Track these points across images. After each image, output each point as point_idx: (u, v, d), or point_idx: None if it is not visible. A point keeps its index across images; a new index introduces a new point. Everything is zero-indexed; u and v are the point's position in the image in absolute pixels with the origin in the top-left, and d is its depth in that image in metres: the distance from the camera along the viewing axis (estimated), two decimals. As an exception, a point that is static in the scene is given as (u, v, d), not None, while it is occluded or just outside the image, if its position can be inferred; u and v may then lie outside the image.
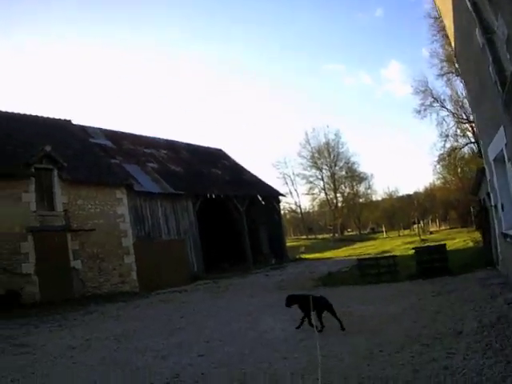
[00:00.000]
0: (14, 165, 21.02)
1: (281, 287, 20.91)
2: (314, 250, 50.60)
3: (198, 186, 31.93)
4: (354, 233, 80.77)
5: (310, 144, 78.29)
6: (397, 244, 42.14)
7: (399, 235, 58.19)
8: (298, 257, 41.85)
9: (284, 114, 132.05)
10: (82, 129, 30.55)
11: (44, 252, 20.92)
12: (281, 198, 42.98)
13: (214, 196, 31.30)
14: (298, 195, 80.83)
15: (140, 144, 34.18)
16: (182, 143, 40.34)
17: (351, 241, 60.49)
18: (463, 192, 52.93)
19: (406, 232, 62.73)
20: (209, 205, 32.21)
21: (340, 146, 77.80)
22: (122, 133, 34.50)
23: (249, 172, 42.19)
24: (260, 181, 41.55)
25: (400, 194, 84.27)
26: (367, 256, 31.22)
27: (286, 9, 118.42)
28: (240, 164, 43.69)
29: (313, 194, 79.74)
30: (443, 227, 59.81)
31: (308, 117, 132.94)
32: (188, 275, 27.58)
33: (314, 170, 78.45)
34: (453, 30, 12.79)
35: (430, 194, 72.44)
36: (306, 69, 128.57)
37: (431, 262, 18.37)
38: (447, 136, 48.59)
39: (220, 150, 45.01)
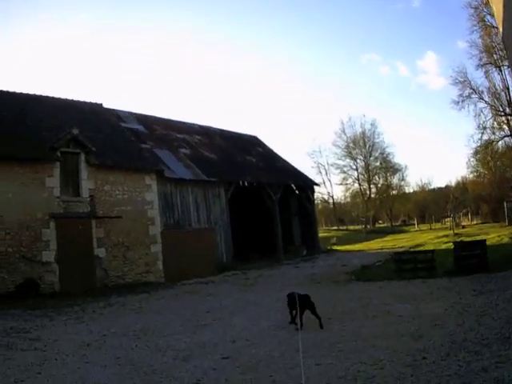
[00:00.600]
0: (39, 149, 19.93)
1: (313, 280, 19.87)
2: (345, 241, 49.28)
3: (231, 172, 30.58)
4: (385, 225, 79.92)
5: (345, 133, 77.77)
6: (430, 237, 40.16)
7: (431, 228, 56.46)
8: (329, 248, 40.31)
9: (320, 103, 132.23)
10: (113, 113, 29.33)
11: (66, 240, 19.79)
12: (315, 187, 41.10)
13: (247, 183, 29.77)
14: (332, 185, 79.48)
15: (173, 129, 32.88)
16: (217, 129, 38.96)
17: (383, 233, 59.24)
18: (496, 186, 53.60)
19: (438, 225, 61.01)
20: (241, 192, 30.80)
21: (376, 136, 77.02)
22: (155, 117, 33.19)
23: (283, 160, 40.58)
24: (294, 169, 39.93)
25: (432, 186, 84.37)
26: (402, 250, 30.06)
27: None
28: (275, 151, 42.11)
29: (346, 184, 79.23)
30: (475, 221, 58.05)
31: (344, 106, 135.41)
32: (216, 265, 26.28)
33: (348, 160, 78.05)
34: (502, 13, 11.12)
35: (461, 187, 71.49)
36: (344, 58, 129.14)
37: (470, 258, 17.13)
38: (484, 128, 46.79)
39: (255, 137, 43.48)
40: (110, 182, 22.02)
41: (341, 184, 78.86)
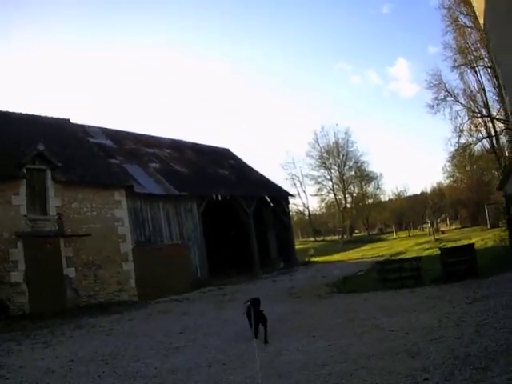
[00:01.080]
0: (4, 165, 19.35)
1: (292, 294, 19.54)
2: (323, 252, 48.83)
3: (203, 186, 30.22)
4: (361, 234, 79.69)
5: (319, 143, 76.95)
6: (410, 245, 40.25)
7: (409, 235, 56.70)
8: (307, 260, 40.03)
9: (292, 114, 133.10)
10: (81, 128, 28.84)
11: (35, 259, 19.19)
12: (290, 199, 40.90)
13: (220, 197, 29.37)
14: (307, 196, 79.15)
15: (142, 143, 32.47)
16: (187, 142, 38.60)
17: (360, 242, 58.92)
18: (474, 190, 52.69)
19: (416, 232, 61.28)
20: (214, 207, 30.39)
21: (350, 145, 76.29)
22: (124, 132, 32.82)
23: (257, 172, 40.35)
24: (268, 181, 39.71)
25: (408, 194, 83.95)
26: (383, 258, 30.39)
27: (294, 7, 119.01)
28: (247, 164, 41.84)
29: (321, 194, 78.25)
30: (453, 226, 58.34)
31: (318, 116, 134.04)
32: (191, 282, 25.82)
33: (322, 170, 77.18)
34: (483, 4, 11.02)
35: (438, 193, 71.20)
36: (315, 67, 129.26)
37: (459, 264, 16.65)
38: (461, 131, 46.12)
39: (227, 150, 43.20)
40: (77, 199, 21.48)
41: (316, 195, 78.09)
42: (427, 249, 33.19)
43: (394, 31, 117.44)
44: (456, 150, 48.68)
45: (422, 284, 16.59)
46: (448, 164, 58.17)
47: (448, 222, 61.32)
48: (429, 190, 79.80)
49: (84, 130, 28.96)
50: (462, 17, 41.27)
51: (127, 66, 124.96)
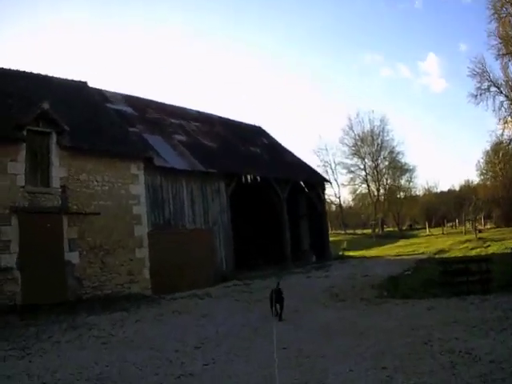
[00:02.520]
0: (3, 126, 16.32)
1: (333, 296, 16.53)
2: (356, 246, 45.63)
3: (233, 164, 26.91)
4: (392, 229, 76.87)
5: (353, 130, 74.42)
6: (450, 243, 36.86)
7: (443, 233, 53.22)
8: (341, 254, 36.76)
9: (325, 102, 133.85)
10: (99, 92, 25.76)
11: (32, 240, 16.10)
12: (325, 185, 37.39)
13: (251, 178, 25.97)
14: (339, 186, 76.16)
15: (167, 113, 29.33)
16: (217, 117, 35.35)
17: (393, 237, 56.19)
18: (509, 189, 52.91)
19: (450, 229, 58.35)
20: (244, 189, 27.03)
21: (385, 134, 73.58)
22: (147, 100, 29.77)
23: (291, 153, 36.90)
24: (304, 164, 36.33)
25: (438, 190, 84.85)
26: (426, 256, 29.27)
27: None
28: (281, 144, 38.45)
29: (354, 184, 75.83)
30: (488, 226, 54.80)
31: (349, 106, 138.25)
32: (214, 274, 22.77)
33: (356, 159, 74.84)
34: None
35: (468, 190, 70.74)
36: (347, 59, 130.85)
37: None
38: (506, 122, 44.16)
39: (259, 128, 39.84)
40: (86, 170, 18.31)
41: (348, 184, 75.62)
42: (472, 248, 30.52)
43: (426, 26, 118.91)
44: (496, 144, 49.34)
45: (491, 290, 14.20)
46: (482, 161, 59.74)
47: (482, 221, 57.96)
48: (457, 188, 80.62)
49: (102, 94, 25.85)
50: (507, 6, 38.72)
51: (161, 40, 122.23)
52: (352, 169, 74.73)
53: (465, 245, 32.94)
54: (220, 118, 35.29)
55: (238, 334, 11.23)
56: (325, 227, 34.73)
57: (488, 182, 60.18)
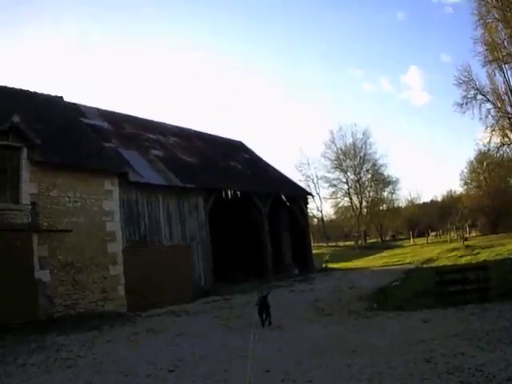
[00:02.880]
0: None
1: (319, 310, 15.94)
2: (338, 258, 45.33)
3: (212, 179, 26.40)
4: (375, 240, 77.87)
5: (335, 144, 74.89)
6: (437, 252, 36.41)
7: (427, 242, 53.35)
8: (324, 266, 36.41)
9: (306, 116, 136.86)
10: (75, 107, 25.23)
11: (0, 258, 15.38)
12: (308, 199, 37.04)
13: (231, 193, 25.53)
14: (321, 199, 76.13)
15: (144, 129, 28.87)
16: (196, 131, 35.01)
17: (377, 248, 56.13)
18: (494, 198, 53.14)
19: (435, 239, 58.59)
20: (223, 204, 26.55)
21: (368, 147, 74.15)
22: (124, 115, 29.33)
23: (272, 167, 36.67)
24: (285, 178, 36.04)
25: (420, 201, 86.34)
26: (414, 266, 29.25)
27: (309, 11, 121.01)
28: (262, 158, 38.17)
29: (336, 198, 76.28)
30: (473, 234, 55.22)
31: (330, 119, 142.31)
32: (193, 290, 22.17)
33: (338, 173, 75.20)
34: None
35: (451, 200, 72.32)
36: (329, 72, 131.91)
37: None
38: (494, 130, 43.40)
39: (240, 142, 39.68)
40: (57, 185, 17.72)
41: (330, 198, 75.76)
42: (461, 256, 30.15)
43: (408, 39, 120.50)
44: (482, 153, 49.43)
45: (489, 299, 13.70)
46: (466, 170, 60.38)
47: (467, 230, 58.40)
48: (440, 198, 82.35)
49: (78, 109, 25.30)
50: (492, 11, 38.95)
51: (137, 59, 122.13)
52: (334, 182, 75.16)
53: (453, 253, 32.66)
54: (200, 133, 34.94)
55: (216, 354, 10.55)
56: (307, 240, 34.36)
57: (472, 192, 60.91)
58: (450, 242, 46.25)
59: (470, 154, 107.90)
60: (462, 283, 14.36)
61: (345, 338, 11.02)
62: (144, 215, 20.96)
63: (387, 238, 78.52)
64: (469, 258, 28.34)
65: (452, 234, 51.37)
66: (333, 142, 74.55)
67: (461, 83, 43.75)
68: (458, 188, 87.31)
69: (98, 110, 27.13)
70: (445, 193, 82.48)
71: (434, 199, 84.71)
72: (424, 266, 28.96)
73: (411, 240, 60.72)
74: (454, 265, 25.70)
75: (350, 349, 9.79)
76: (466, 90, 43.49)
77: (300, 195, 34.36)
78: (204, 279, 23.43)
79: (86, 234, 18.19)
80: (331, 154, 74.56)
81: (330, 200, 77.21)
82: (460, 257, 29.69)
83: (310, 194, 39.73)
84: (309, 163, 75.31)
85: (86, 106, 26.40)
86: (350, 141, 74.18)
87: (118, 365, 10.11)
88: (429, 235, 58.46)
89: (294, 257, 33.62)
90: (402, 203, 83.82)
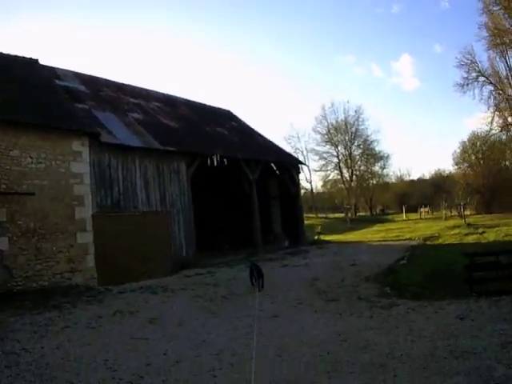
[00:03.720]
0: None
1: (321, 294, 13.46)
2: (330, 230, 43.27)
3: (196, 143, 24.35)
4: (363, 213, 77.88)
5: (327, 119, 74.15)
6: (437, 228, 34.29)
7: (420, 218, 52.68)
8: (316, 239, 34.57)
9: (297, 94, 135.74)
10: (50, 70, 23.26)
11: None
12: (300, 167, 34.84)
13: (217, 159, 23.45)
14: (310, 172, 75.43)
15: (125, 93, 26.94)
16: (183, 99, 32.91)
17: (367, 222, 54.92)
18: (489, 177, 53.14)
19: (427, 215, 56.66)
20: (209, 171, 24.56)
21: (360, 123, 73.41)
22: (105, 80, 27.36)
23: (262, 136, 34.49)
24: (275, 146, 33.83)
25: (410, 177, 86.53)
26: (416, 242, 27.26)
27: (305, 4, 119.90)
28: (251, 127, 36.07)
29: (326, 170, 75.76)
30: (468, 212, 53.21)
31: (321, 98, 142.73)
32: (173, 262, 20.21)
33: (328, 147, 74.67)
34: None
35: (440, 178, 73.97)
36: (321, 59, 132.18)
37: None
38: (499, 110, 44.53)
39: (228, 112, 37.57)
40: (19, 145, 15.69)
41: (320, 170, 75.12)
42: (466, 234, 27.97)
43: (402, 30, 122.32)
44: (478, 135, 51.88)
45: None
46: (458, 151, 62.08)
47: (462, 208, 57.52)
48: (428, 176, 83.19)
49: (53, 71, 23.33)
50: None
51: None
52: (324, 155, 74.59)
53: (455, 231, 30.52)
54: (186, 100, 32.91)
55: (193, 357, 8.06)
56: (299, 210, 32.20)
57: (464, 171, 60.98)
58: (445, 218, 45.48)
59: (461, 136, 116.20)
60: (494, 268, 12.15)
61: (364, 340, 8.37)
62: (118, 179, 18.90)
63: (376, 212, 78.77)
64: (475, 236, 26.40)
65: (444, 210, 50.40)
66: (324, 117, 73.95)
67: (462, 65, 45.08)
68: (447, 167, 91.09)
69: (75, 73, 25.28)
70: (433, 171, 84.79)
71: (422, 177, 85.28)
72: (427, 243, 27.10)
73: (403, 215, 59.57)
74: (478, 245, 23.17)
75: (378, 361, 7.17)
76: (467, 72, 44.81)
77: (291, 164, 32.21)
78: (185, 250, 21.45)
79: (51, 198, 16.15)
80: (322, 128, 73.95)
81: (319, 172, 76.98)
82: (465, 235, 27.66)
83: (302, 162, 37.71)
84: (298, 136, 75.22)
85: (62, 69, 24.60)
86: (342, 117, 73.55)
87: (64, 368, 7.72)
88: (421, 211, 57.14)
89: (285, 227, 31.77)
90: (392, 179, 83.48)
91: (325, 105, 78.22)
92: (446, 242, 26.13)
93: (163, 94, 31.53)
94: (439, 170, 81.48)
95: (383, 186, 78.06)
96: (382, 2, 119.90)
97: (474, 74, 44.41)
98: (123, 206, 18.96)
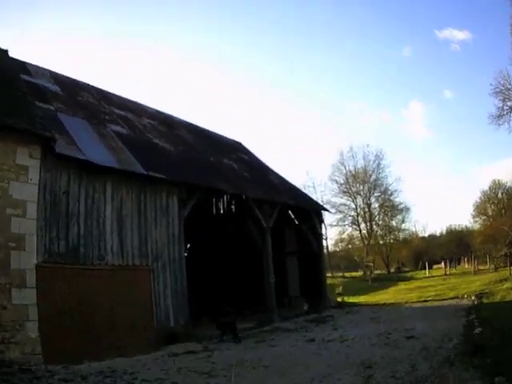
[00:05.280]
0: None
1: None
2: (352, 291, 39.12)
3: (195, 174, 19.57)
4: (379, 272, 71.94)
5: (345, 166, 69.96)
6: (480, 283, 30.96)
7: (446, 274, 49.81)
8: (340, 301, 29.61)
9: (312, 138, 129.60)
10: (21, 64, 19.72)
11: None
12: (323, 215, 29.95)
13: (226, 198, 18.73)
14: (325, 227, 69.82)
15: (111, 103, 22.76)
16: (183, 121, 28.77)
17: (389, 280, 51.82)
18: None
19: (453, 270, 53.76)
20: (210, 214, 19.75)
21: (380, 171, 69.30)
22: (88, 85, 23.35)
23: (277, 174, 29.91)
24: (293, 186, 29.32)
25: (425, 233, 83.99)
26: (468, 303, 23.50)
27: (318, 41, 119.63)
28: (265, 163, 31.51)
29: (344, 225, 70.86)
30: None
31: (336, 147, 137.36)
32: (156, 333, 15.28)
33: (346, 198, 70.15)
34: None
35: (459, 233, 74.09)
36: (331, 106, 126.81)
37: None
38: None
39: (238, 143, 33.28)
40: None
41: (336, 225, 70.62)
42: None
43: (411, 74, 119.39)
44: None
45: None
46: (479, 200, 61.19)
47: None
48: (438, 233, 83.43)
49: (24, 67, 19.72)
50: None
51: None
52: (341, 208, 69.82)
53: (506, 285, 27.22)
54: (187, 122, 28.88)
55: None
56: (321, 268, 27.66)
57: (487, 223, 59.58)
58: (474, 273, 43.64)
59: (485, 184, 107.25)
60: None
61: None
62: (79, 213, 13.84)
63: (392, 270, 74.46)
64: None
65: (467, 265, 49.89)
66: (342, 164, 69.89)
67: (497, 92, 39.28)
68: (464, 222, 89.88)
69: (52, 72, 21.58)
70: (447, 224, 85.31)
71: (433, 233, 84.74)
72: (484, 301, 23.59)
73: (426, 271, 56.51)
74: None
75: None
76: (503, 100, 39.04)
77: (313, 210, 27.48)
78: (174, 317, 16.34)
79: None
80: (340, 176, 70.01)
81: (335, 227, 71.83)
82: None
83: (326, 209, 32.31)
84: (314, 187, 69.40)
85: (36, 66, 20.98)
86: (361, 163, 69.92)
87: None
88: (446, 267, 54.52)
89: (303, 289, 27.27)
90: (409, 234, 79.38)
91: (343, 150, 73.33)
92: (508, 299, 22.67)
93: (160, 111, 27.43)
94: (452, 225, 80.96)
95: (404, 241, 74.11)
96: (393, 44, 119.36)
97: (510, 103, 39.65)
98: (84, 254, 13.81)
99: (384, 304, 28.05)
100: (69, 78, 22.51)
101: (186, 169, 19.29)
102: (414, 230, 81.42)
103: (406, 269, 73.55)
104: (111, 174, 14.97)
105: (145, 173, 15.75)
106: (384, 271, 71.69)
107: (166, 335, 15.50)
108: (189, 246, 23.50)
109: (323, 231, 54.82)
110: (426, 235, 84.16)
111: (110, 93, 24.48)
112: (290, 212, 26.78)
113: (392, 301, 29.42)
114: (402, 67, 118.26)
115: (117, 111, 21.74)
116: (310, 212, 26.83)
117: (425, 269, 57.95)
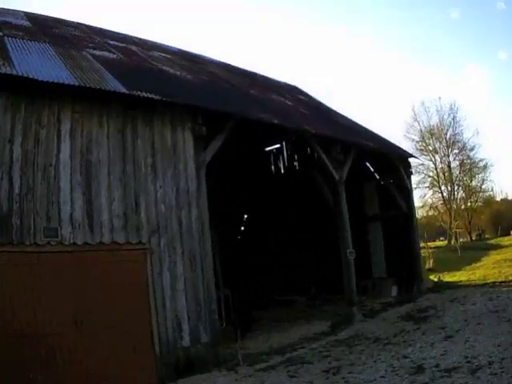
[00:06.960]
0: None
1: None
2: (442, 265, 32.43)
3: (223, 101, 14.76)
4: (462, 240, 65.74)
5: (418, 123, 64.92)
6: None
7: None
8: (436, 281, 23.90)
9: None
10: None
11: None
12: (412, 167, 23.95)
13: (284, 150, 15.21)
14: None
15: (106, 37, 18.50)
16: (217, 60, 24.49)
17: (476, 249, 44.34)
18: None
19: None
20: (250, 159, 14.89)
21: (456, 125, 63.58)
22: (79, 23, 19.58)
23: (346, 117, 24.30)
24: (369, 130, 23.31)
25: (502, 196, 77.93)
26: None
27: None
28: (330, 107, 25.94)
29: (424, 187, 65.06)
30: None
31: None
32: (159, 361, 9.92)
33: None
34: None
35: None
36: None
37: None
38: None
39: (294, 87, 28.11)
40: None
41: (416, 188, 64.56)
42: None
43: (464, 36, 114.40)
44: None
45: None
46: None
47: None
48: None
49: None
50: None
51: None
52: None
53: None
54: (218, 61, 24.47)
55: None
56: (414, 237, 21.39)
57: None
58: None
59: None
60: None
61: None
62: (11, 160, 8.79)
63: (473, 237, 68.01)
64: None
65: None
66: (415, 120, 65.04)
67: None
68: None
69: (27, 13, 18.26)
70: None
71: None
72: None
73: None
74: None
75: None
76: None
77: (399, 158, 21.54)
78: (190, 331, 10.71)
79: None
80: (414, 133, 65.15)
81: (415, 191, 66.02)
82: None
83: (415, 156, 26.16)
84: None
85: (9, 9, 18.01)
86: (435, 118, 64.75)
87: None
88: None
89: (390, 267, 21.40)
90: (491, 195, 73.95)
91: (414, 106, 68.20)
92: None
93: (185, 50, 23.33)
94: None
95: (483, 205, 69.49)
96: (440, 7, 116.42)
97: None
98: (19, 227, 8.72)
99: (494, 283, 21.35)
100: (55, 18, 19.01)
101: (208, 96, 14.43)
102: (493, 191, 76.03)
103: (487, 236, 68.40)
104: (71, 99, 9.89)
105: (125, 92, 10.38)
106: (466, 239, 66.58)
107: (175, 361, 10.20)
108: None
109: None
110: (503, 197, 78.80)
111: (112, 31, 20.39)
112: (367, 164, 21.90)
113: (502, 278, 22.50)
114: (451, 30, 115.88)
115: (112, 42, 17.38)
116: (395, 161, 20.98)
117: (507, 235, 53.02)
